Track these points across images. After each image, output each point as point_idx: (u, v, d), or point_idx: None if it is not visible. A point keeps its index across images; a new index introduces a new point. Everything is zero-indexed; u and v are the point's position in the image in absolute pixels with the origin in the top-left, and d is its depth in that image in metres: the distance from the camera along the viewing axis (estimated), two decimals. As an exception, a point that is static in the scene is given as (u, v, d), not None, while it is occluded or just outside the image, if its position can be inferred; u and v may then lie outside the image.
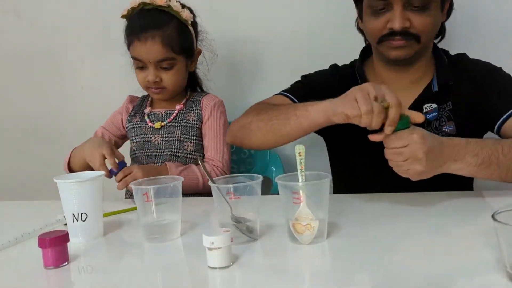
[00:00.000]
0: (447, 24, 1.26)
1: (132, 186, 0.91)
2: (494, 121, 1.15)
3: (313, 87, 1.27)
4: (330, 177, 0.85)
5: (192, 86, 1.47)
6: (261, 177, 0.88)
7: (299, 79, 1.33)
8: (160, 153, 1.36)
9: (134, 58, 1.34)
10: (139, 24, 1.31)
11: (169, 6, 1.32)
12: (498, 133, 1.16)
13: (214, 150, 1.36)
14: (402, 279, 0.69)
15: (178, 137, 1.37)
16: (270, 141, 1.13)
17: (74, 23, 1.89)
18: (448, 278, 0.69)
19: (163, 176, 1.01)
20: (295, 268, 0.78)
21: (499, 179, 0.99)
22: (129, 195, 1.39)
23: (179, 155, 1.36)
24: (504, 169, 0.98)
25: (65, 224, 1.00)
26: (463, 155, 0.96)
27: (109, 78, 1.86)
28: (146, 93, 1.46)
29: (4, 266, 0.84)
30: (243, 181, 0.89)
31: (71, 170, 1.33)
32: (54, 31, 1.91)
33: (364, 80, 1.25)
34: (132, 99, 1.49)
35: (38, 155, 2.01)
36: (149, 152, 1.37)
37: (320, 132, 1.25)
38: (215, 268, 0.75)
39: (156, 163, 1.35)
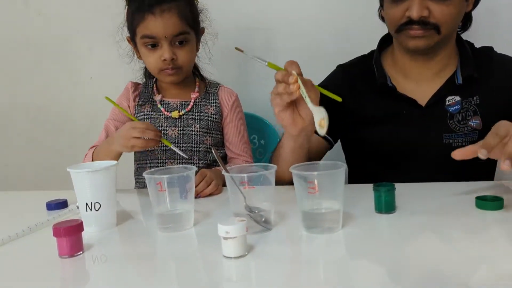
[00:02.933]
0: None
1: (146, 175, 0.91)
2: None
3: (325, 103, 1.25)
4: (345, 166, 0.84)
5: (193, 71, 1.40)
6: (275, 167, 0.88)
7: None
8: (179, 148, 1.30)
9: (145, 36, 1.24)
10: None
11: None
12: None
13: (241, 146, 1.37)
14: (418, 269, 0.68)
15: (197, 131, 1.33)
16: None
17: (82, 13, 1.89)
18: (466, 268, 0.68)
19: (176, 166, 1.00)
20: (310, 258, 0.77)
21: None
22: (140, 185, 1.39)
23: (200, 149, 1.33)
24: None
25: (78, 214, 1.00)
26: None
27: (118, 68, 1.84)
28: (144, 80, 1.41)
29: (20, 255, 0.85)
30: (257, 170, 0.89)
31: None
32: (63, 20, 1.91)
33: (381, 71, 1.23)
34: (135, 86, 1.40)
35: (47, 144, 2.02)
36: (166, 146, 1.28)
37: (332, 131, 1.24)
38: (230, 257, 0.75)
39: (175, 158, 1.31)
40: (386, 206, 0.90)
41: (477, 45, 1.26)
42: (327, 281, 0.69)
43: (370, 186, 0.92)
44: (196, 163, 1.32)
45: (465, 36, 1.27)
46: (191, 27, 1.27)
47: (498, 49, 1.25)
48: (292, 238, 0.84)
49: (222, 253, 0.75)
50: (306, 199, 0.84)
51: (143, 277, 0.73)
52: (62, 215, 1.02)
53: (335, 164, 0.85)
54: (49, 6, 1.90)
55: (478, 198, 0.90)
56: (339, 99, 0.92)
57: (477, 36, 1.27)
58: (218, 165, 1.28)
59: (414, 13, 1.08)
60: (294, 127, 0.99)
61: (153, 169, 0.94)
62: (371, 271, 0.70)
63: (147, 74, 1.42)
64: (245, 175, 0.86)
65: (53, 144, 2.00)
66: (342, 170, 0.83)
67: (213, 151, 0.97)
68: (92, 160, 1.23)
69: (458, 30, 1.23)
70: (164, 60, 1.24)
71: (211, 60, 1.45)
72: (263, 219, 0.86)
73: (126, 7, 1.31)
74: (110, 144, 1.20)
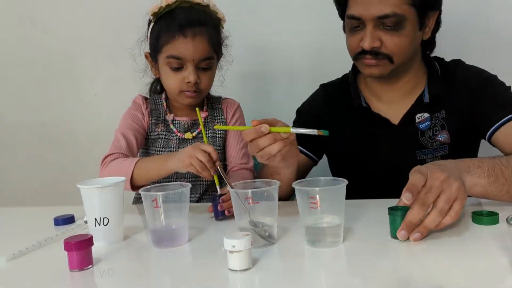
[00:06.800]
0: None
1: (142, 192, 0.93)
2: (486, 129, 1.16)
3: (308, 122, 1.24)
4: (346, 182, 0.87)
5: None
6: (278, 183, 0.90)
7: (295, 116, 1.36)
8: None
9: (172, 57, 1.21)
10: (186, 19, 1.20)
11: (207, 4, 1.26)
12: (489, 141, 1.18)
13: (241, 154, 1.33)
14: (416, 281, 0.71)
15: None
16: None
17: (88, 32, 1.93)
18: (462, 280, 0.70)
19: (172, 183, 0.99)
20: (312, 271, 0.80)
21: (509, 198, 0.97)
22: (136, 200, 1.39)
23: None
24: None
25: (85, 229, 1.03)
26: (467, 167, 0.95)
27: (122, 85, 1.89)
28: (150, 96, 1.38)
29: (31, 269, 0.87)
30: (261, 186, 0.91)
31: (135, 186, 1.17)
32: (69, 39, 1.95)
33: (356, 92, 1.27)
34: (146, 101, 1.35)
35: (51, 160, 2.04)
36: None
37: (314, 148, 1.29)
38: (236, 270, 0.77)
39: (186, 179, 1.29)
40: None
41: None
42: (329, 293, 0.72)
43: (370, 201, 0.95)
44: (205, 182, 1.32)
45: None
46: (216, 52, 1.27)
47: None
48: (295, 252, 0.87)
49: (227, 267, 0.78)
50: (308, 214, 0.87)
51: (152, 290, 0.76)
52: (70, 230, 1.04)
53: (336, 180, 0.88)
54: (56, 26, 1.95)
55: (474, 213, 0.93)
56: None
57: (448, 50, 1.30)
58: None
59: (366, 44, 1.13)
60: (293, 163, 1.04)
61: (148, 186, 0.95)
62: (372, 284, 0.72)
63: (154, 90, 1.39)
64: (249, 190, 0.88)
65: (57, 160, 2.03)
66: (343, 186, 0.86)
67: (217, 167, 0.99)
68: (133, 172, 1.14)
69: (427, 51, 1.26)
70: (188, 82, 1.23)
71: (223, 83, 1.43)
72: (267, 234, 0.89)
73: (152, 23, 1.27)
74: (166, 160, 1.12)
